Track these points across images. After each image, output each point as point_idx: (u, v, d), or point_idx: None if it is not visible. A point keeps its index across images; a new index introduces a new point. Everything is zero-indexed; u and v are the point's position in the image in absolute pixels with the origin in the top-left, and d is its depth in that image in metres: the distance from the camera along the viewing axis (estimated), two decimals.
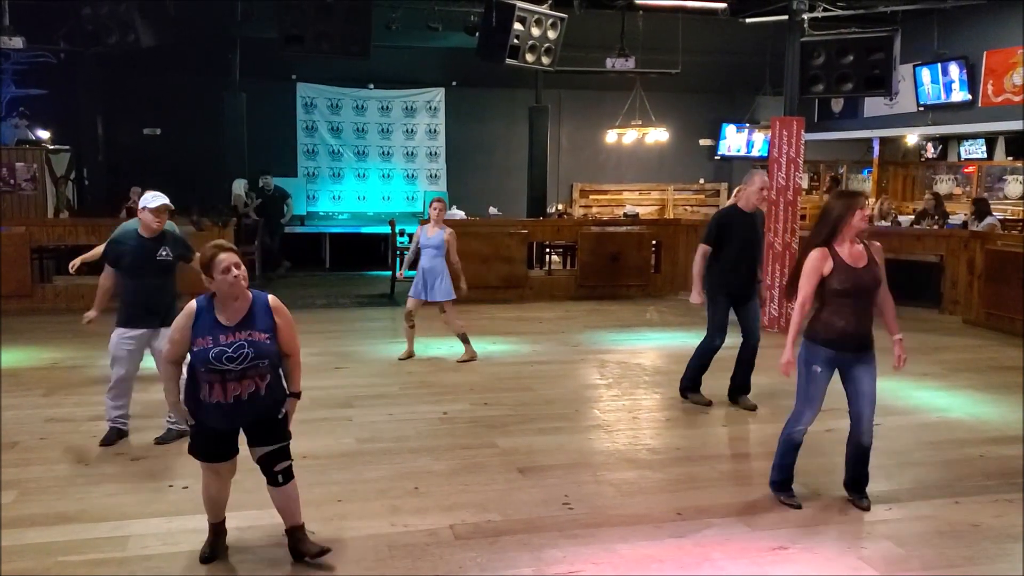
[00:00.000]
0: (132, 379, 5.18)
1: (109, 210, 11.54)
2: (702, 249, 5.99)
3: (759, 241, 6.25)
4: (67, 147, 12.38)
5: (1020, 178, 14.83)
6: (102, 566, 3.62)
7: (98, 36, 8.76)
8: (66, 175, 12.25)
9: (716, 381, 6.28)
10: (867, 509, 4.28)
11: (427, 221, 7.66)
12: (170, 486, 4.51)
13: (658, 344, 8.53)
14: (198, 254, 4.11)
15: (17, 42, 9.10)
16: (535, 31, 9.22)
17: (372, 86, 15.25)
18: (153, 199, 5.00)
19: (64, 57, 11.87)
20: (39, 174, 11.35)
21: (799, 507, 4.30)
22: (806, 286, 4.14)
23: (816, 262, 4.13)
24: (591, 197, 16.73)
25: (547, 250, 12.54)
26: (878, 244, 4.24)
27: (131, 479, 4.59)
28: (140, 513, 4.15)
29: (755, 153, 16.23)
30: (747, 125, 16.08)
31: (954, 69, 12.01)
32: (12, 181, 11.24)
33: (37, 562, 3.64)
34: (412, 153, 15.72)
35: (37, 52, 11.38)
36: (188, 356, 3.54)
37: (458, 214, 12.63)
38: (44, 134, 12.46)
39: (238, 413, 3.49)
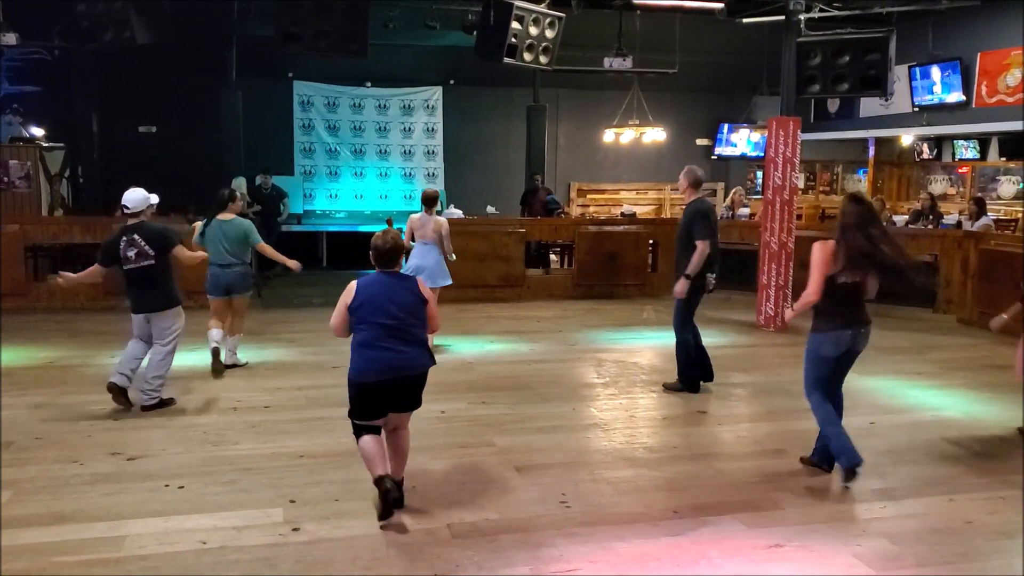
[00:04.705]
0: None
1: (104, 208, 11.49)
2: None
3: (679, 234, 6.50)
4: (61, 145, 12.32)
5: (1013, 179, 14.90)
6: (98, 566, 3.61)
7: (93, 33, 8.71)
8: (60, 173, 12.19)
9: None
10: None
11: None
12: (166, 486, 4.49)
13: (655, 343, 8.53)
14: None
15: (11, 38, 9.06)
16: (533, 30, 9.22)
17: (369, 84, 15.22)
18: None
19: (59, 54, 11.82)
20: (33, 172, 11.28)
21: None
22: None
23: None
24: (588, 196, 16.74)
25: (544, 249, 12.54)
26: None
27: (127, 479, 4.58)
28: (136, 513, 4.14)
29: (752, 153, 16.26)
30: (744, 125, 16.09)
31: (949, 70, 12.04)
32: (6, 179, 11.18)
33: (32, 562, 3.63)
34: (410, 152, 15.70)
35: (31, 49, 11.32)
36: None
37: (456, 213, 12.62)
38: (38, 131, 12.40)
39: None
